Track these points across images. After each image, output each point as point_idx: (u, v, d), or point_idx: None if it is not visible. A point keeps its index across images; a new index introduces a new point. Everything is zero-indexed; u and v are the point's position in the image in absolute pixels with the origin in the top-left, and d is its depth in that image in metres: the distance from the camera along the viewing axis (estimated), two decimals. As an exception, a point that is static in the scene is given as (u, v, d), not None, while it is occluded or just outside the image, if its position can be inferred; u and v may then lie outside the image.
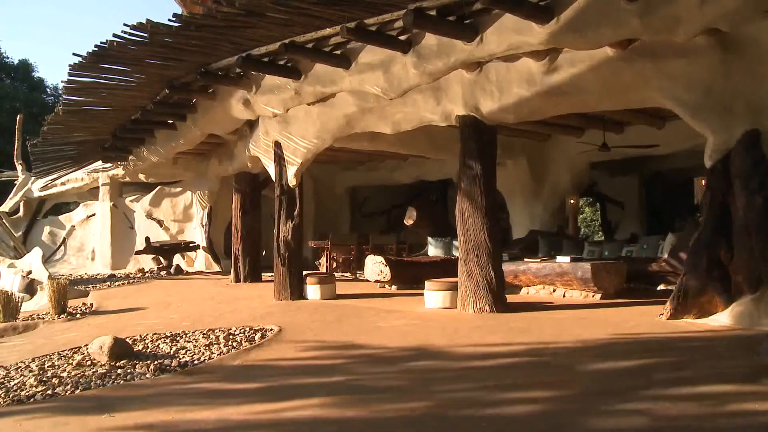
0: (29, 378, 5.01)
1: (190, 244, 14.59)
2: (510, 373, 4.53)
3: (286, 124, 8.68)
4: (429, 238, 12.17)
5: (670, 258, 8.50)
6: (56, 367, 5.42)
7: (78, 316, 8.47)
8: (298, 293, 8.81)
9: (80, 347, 6.12)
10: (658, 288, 8.50)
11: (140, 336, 6.49)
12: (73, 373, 5.11)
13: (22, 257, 13.73)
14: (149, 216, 15.65)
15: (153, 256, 14.26)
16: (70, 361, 5.62)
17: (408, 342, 5.62)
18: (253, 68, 7.42)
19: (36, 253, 12.72)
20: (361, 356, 5.33)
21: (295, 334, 6.20)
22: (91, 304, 9.44)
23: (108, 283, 12.39)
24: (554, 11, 5.23)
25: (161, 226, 15.56)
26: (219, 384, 4.65)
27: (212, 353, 5.55)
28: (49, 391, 4.60)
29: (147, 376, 4.92)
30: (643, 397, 3.73)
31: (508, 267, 8.27)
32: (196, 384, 4.66)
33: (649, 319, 6.11)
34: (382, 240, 13.19)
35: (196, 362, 5.28)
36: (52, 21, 68.11)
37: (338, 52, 6.88)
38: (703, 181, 6.95)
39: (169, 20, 6.03)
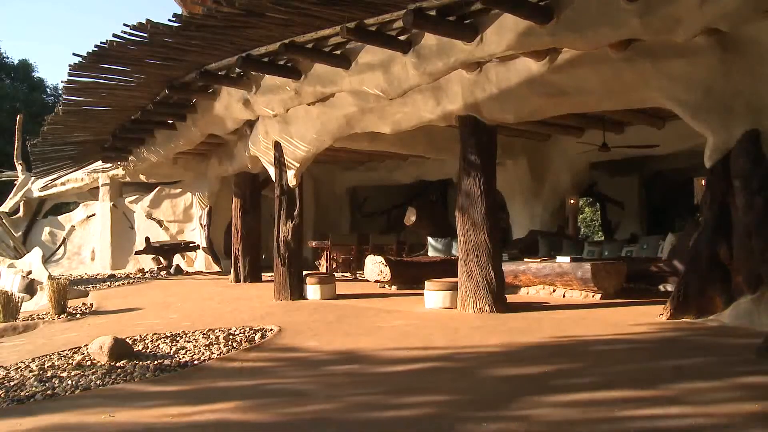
0: (29, 378, 5.02)
1: (190, 244, 14.59)
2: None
3: (286, 125, 8.68)
4: (429, 238, 12.17)
5: (669, 258, 8.50)
6: (56, 367, 5.42)
7: (78, 316, 8.46)
8: (298, 293, 8.82)
9: (80, 347, 6.12)
10: (658, 288, 8.49)
11: (140, 336, 6.49)
12: (73, 373, 5.11)
13: (22, 257, 13.72)
14: (149, 216, 15.64)
15: (153, 256, 14.26)
16: (70, 361, 5.62)
17: (408, 343, 5.62)
18: (253, 68, 7.42)
19: (36, 253, 12.71)
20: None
21: (293, 335, 6.20)
22: (91, 304, 9.43)
23: (108, 283, 12.38)
24: (554, 11, 5.23)
25: (161, 227, 15.56)
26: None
27: (212, 353, 5.55)
28: (49, 391, 4.60)
29: (147, 375, 4.92)
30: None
31: (508, 267, 8.27)
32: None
33: (649, 319, 6.11)
34: (382, 240, 13.21)
35: (195, 362, 5.29)
36: (52, 21, 68.22)
37: (338, 52, 6.88)
38: (703, 181, 6.95)
39: (169, 20, 6.02)
